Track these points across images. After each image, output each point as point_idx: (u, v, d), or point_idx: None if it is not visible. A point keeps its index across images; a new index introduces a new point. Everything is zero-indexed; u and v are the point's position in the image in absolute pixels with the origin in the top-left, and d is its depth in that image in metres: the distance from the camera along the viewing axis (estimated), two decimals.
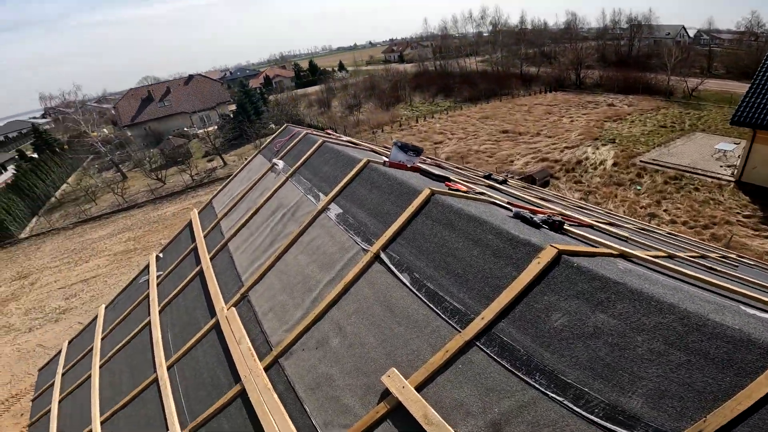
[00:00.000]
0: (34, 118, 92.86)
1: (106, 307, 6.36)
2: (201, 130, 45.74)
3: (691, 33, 66.45)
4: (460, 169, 7.49)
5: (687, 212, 15.90)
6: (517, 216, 2.91)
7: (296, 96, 53.92)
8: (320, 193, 4.24)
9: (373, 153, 5.68)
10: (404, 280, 2.77)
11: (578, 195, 18.92)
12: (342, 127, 38.10)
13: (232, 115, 44.36)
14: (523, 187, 7.23)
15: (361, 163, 4.06)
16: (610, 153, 23.57)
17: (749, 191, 16.59)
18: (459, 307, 2.39)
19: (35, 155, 42.98)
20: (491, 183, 6.10)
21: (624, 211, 16.72)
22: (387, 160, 4.15)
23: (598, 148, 24.68)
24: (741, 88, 39.04)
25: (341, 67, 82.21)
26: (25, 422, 9.81)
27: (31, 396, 6.54)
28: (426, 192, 3.10)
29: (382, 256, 3.03)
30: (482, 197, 3.57)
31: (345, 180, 4.04)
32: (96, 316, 6.29)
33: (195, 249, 5.36)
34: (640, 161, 21.59)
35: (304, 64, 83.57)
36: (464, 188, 3.64)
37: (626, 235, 4.96)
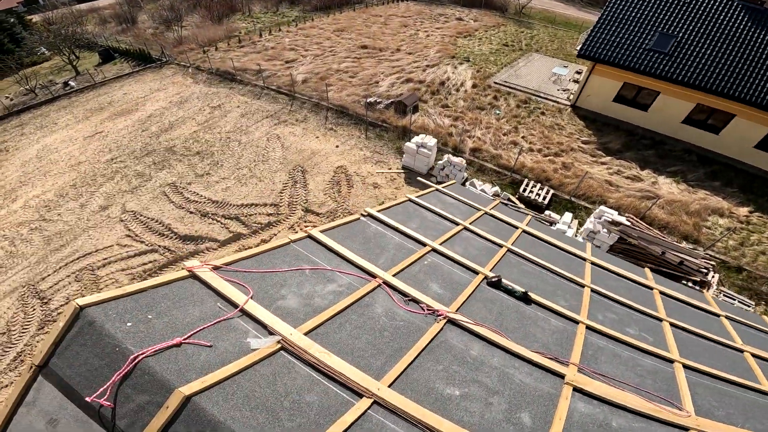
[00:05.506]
0: None
1: None
2: None
3: None
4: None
5: (540, 139, 17.17)
6: None
7: (79, 12, 37.94)
8: None
9: None
10: None
11: (448, 121, 18.59)
12: (158, 46, 28.78)
13: None
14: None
15: None
16: (468, 73, 23.68)
17: (583, 116, 18.79)
18: None
19: None
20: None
21: (491, 138, 17.13)
22: None
23: (456, 68, 24.52)
24: (559, 7, 43.90)
25: None
26: None
27: None
28: None
29: None
30: None
31: None
32: None
33: None
34: (494, 83, 22.32)
35: None
36: None
37: None
